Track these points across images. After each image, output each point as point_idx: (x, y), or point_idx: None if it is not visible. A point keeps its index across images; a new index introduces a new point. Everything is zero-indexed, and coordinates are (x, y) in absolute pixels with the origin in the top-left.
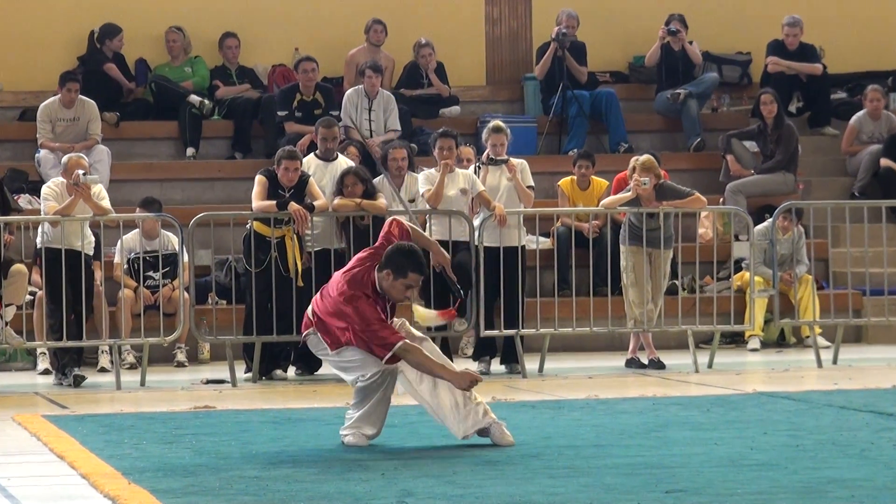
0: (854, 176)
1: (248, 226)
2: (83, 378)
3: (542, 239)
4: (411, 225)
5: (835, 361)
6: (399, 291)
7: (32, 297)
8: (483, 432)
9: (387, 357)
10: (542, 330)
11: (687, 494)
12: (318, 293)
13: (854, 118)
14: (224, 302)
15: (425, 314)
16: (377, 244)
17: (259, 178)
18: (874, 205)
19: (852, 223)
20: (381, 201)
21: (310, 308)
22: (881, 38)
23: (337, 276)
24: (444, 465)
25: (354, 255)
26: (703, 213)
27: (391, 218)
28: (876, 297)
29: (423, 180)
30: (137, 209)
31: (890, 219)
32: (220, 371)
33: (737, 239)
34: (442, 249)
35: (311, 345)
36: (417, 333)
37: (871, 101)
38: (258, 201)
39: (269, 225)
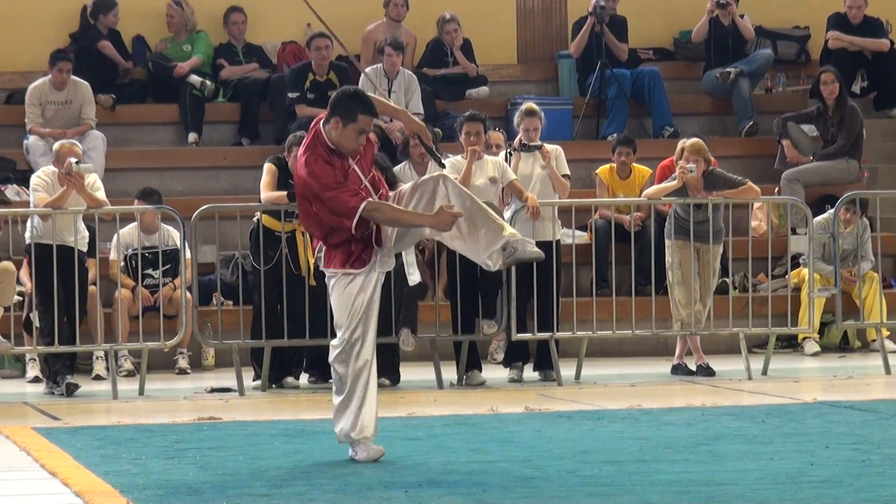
0: None
1: (255, 219)
2: (76, 386)
3: (578, 233)
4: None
5: None
6: (352, 140)
7: (21, 298)
8: (504, 251)
9: (354, 223)
10: (578, 333)
11: None
12: None
13: None
14: (230, 303)
15: None
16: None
17: (268, 167)
18: None
19: None
20: None
21: None
22: None
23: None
24: (472, 482)
25: None
26: (757, 204)
27: None
28: None
29: (448, 168)
30: (135, 201)
31: None
32: (226, 378)
33: (794, 232)
34: (412, 116)
35: (326, 278)
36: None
37: None
38: (267, 192)
39: (278, 218)
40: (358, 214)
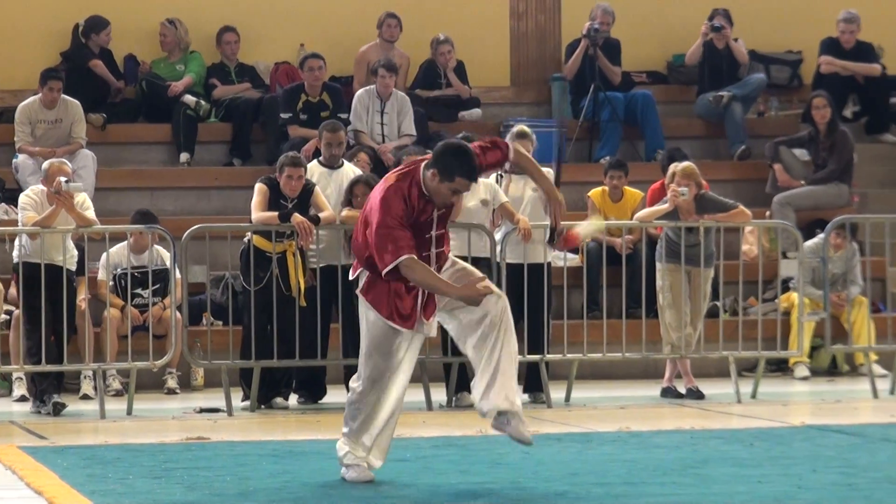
0: None
1: (246, 239)
2: (64, 406)
3: (570, 255)
4: (523, 150)
5: (892, 391)
6: (444, 196)
7: (9, 317)
8: (500, 417)
9: (386, 269)
10: (569, 355)
11: None
12: None
13: None
14: (220, 323)
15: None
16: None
17: (259, 187)
18: None
19: None
20: None
21: None
22: None
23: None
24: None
25: None
26: (748, 228)
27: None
28: None
29: None
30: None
31: None
32: (215, 399)
33: (785, 256)
34: (553, 187)
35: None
36: (496, 290)
37: None
38: (258, 212)
39: (269, 239)
40: (394, 264)
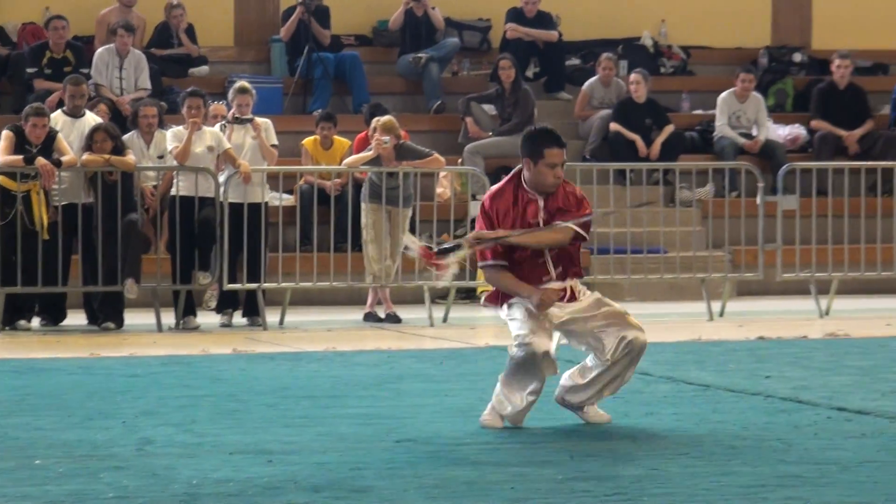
0: (586, 139)
1: None
2: None
3: (285, 196)
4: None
5: None
6: (546, 175)
7: None
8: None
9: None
10: (283, 284)
11: (416, 444)
12: None
13: (586, 84)
14: None
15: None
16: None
17: (6, 134)
18: (603, 167)
19: (583, 184)
20: (130, 157)
21: None
22: (613, 6)
23: None
24: (184, 413)
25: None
26: (442, 173)
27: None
28: (602, 255)
29: (171, 137)
30: None
31: (617, 181)
32: None
33: (474, 198)
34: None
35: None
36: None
37: (604, 69)
38: (4, 156)
39: (15, 179)
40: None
